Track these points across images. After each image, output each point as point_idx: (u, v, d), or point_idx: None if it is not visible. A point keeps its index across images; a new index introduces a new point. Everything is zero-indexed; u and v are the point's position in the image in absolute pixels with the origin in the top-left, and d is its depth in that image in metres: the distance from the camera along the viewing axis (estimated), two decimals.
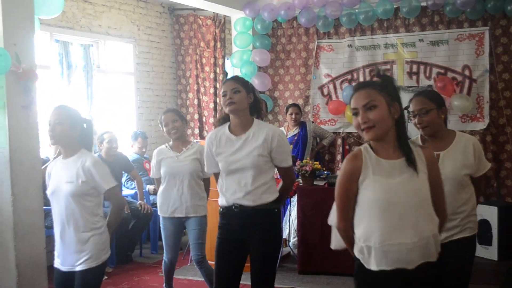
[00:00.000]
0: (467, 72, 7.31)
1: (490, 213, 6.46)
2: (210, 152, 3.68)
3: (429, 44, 7.49)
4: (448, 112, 6.90)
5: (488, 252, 6.46)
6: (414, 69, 7.56)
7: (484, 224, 6.49)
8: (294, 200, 6.40)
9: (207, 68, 8.62)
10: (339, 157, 7.87)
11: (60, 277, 3.57)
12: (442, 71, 7.41)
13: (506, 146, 7.18)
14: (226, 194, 3.63)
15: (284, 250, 6.52)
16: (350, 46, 7.91)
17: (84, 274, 3.46)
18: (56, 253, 3.58)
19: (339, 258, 5.29)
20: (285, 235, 6.71)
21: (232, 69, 8.63)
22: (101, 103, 7.38)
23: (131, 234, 6.71)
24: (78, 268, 3.47)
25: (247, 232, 3.60)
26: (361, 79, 7.78)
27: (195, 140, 5.17)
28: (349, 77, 7.92)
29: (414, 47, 7.57)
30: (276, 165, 3.65)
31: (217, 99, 8.54)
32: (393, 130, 2.62)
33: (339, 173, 2.72)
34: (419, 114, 3.50)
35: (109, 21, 7.54)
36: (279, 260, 6.19)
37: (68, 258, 3.51)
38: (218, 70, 8.59)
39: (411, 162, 2.58)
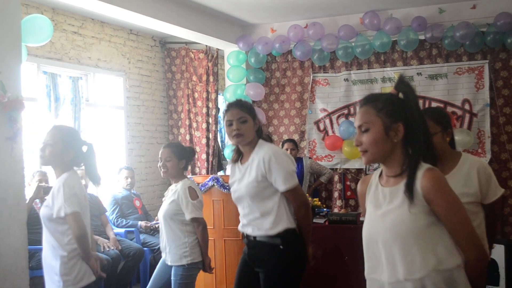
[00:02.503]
0: (467, 106, 7.14)
1: (496, 251, 6.18)
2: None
3: (428, 78, 7.34)
4: None
5: None
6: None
7: (490, 264, 6.23)
8: None
9: (199, 103, 8.39)
10: (336, 194, 7.60)
11: None
12: (442, 105, 7.23)
13: (509, 182, 6.96)
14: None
15: None
16: (346, 80, 7.73)
17: None
18: None
19: None
20: None
21: (225, 103, 8.42)
22: (90, 137, 7.09)
23: (120, 276, 6.33)
24: None
25: (255, 265, 3.44)
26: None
27: (189, 176, 4.82)
28: (345, 111, 7.72)
29: (412, 81, 7.39)
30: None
31: (210, 134, 8.29)
32: (398, 152, 2.30)
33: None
34: None
35: (99, 53, 7.31)
36: None
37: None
38: (210, 105, 8.35)
39: (408, 190, 2.23)
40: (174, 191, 4.27)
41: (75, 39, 6.93)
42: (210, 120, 8.32)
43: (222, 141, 9.22)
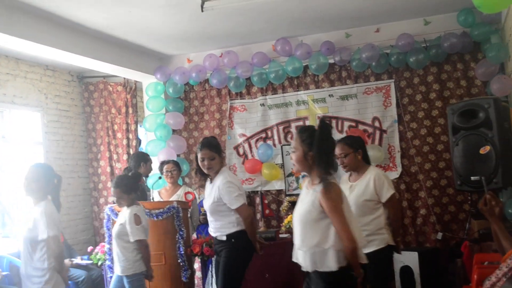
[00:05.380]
0: (377, 124, 7.51)
1: (411, 259, 6.49)
2: None
3: (339, 98, 7.68)
4: None
5: None
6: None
7: (406, 270, 6.51)
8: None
9: (119, 135, 8.45)
10: (258, 215, 7.78)
11: None
12: (353, 124, 7.58)
13: (420, 193, 7.33)
14: None
15: None
16: (262, 105, 8.00)
17: None
18: None
19: None
20: None
21: (146, 134, 8.49)
22: (8, 174, 7.02)
23: None
24: None
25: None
26: (276, 137, 7.86)
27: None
28: (263, 135, 7.97)
29: (324, 103, 7.74)
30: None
31: None
32: (311, 170, 3.53)
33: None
34: (340, 158, 4.67)
35: (14, 90, 7.29)
36: None
37: None
38: (131, 136, 8.43)
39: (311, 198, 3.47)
40: (123, 216, 5.22)
41: None
42: (131, 151, 8.38)
43: None
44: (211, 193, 4.92)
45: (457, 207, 7.19)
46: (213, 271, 6.42)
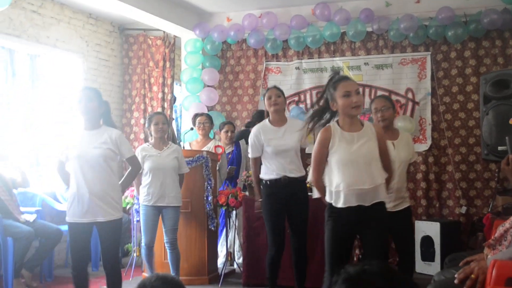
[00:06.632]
0: (410, 95, 7.53)
1: (432, 229, 6.56)
2: (257, 140, 4.96)
3: (374, 67, 7.71)
4: None
5: (431, 268, 6.51)
6: (360, 92, 7.71)
7: (427, 241, 6.58)
8: (240, 211, 6.37)
9: (155, 88, 8.60)
10: None
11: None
12: (387, 93, 7.58)
13: (448, 167, 7.36)
14: (275, 169, 4.92)
15: (229, 268, 6.46)
16: (297, 68, 8.06)
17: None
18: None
19: (285, 270, 5.29)
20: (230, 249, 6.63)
21: (181, 92, 8.59)
22: (47, 113, 7.23)
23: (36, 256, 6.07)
24: None
25: (290, 197, 4.90)
26: (308, 101, 7.92)
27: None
28: (296, 98, 8.04)
29: (359, 70, 7.77)
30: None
31: None
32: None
33: (315, 142, 3.84)
34: (382, 110, 4.73)
35: (57, 33, 7.47)
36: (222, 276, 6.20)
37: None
38: (166, 90, 8.57)
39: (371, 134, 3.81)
40: (174, 150, 5.65)
41: (34, 18, 7.08)
42: (166, 105, 8.54)
43: (178, 131, 9.38)
44: (291, 132, 4.95)
45: (484, 183, 7.21)
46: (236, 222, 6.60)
